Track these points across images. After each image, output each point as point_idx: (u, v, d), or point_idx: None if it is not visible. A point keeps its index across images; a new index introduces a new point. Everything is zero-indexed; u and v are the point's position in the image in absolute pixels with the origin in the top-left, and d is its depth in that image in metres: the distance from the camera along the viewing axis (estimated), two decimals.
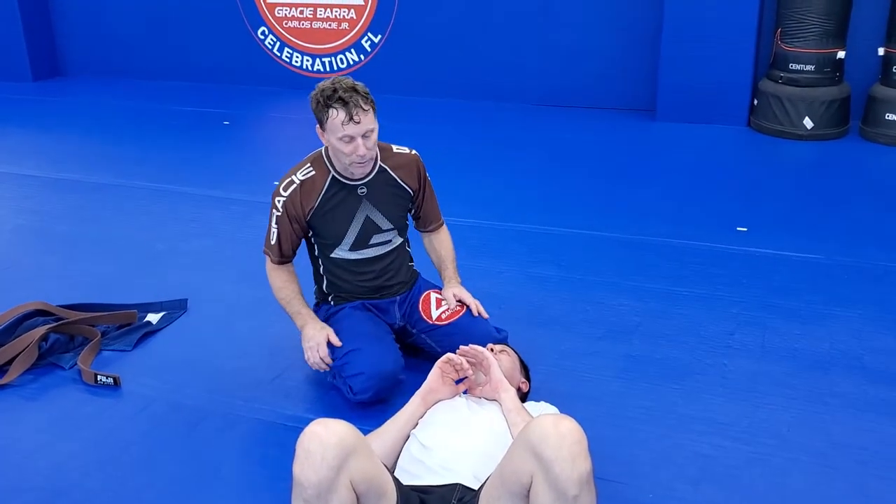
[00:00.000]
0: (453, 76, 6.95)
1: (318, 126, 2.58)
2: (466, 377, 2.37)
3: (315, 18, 7.35)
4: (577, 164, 5.31)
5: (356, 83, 2.52)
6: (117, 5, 8.01)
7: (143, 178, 5.10)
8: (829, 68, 5.57)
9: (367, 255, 2.74)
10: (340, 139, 2.51)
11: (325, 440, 1.78)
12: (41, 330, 2.98)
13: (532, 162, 5.37)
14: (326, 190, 2.65)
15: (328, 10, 7.27)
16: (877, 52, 5.61)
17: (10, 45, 8.17)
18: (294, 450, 1.82)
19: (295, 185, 2.64)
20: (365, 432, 2.09)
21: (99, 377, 2.80)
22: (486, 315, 2.81)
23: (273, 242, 2.70)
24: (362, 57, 7.28)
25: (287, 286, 2.75)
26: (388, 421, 2.28)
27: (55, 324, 3.05)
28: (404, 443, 2.22)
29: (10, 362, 2.88)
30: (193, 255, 3.93)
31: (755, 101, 5.88)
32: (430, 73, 7.03)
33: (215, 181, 5.01)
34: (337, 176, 2.66)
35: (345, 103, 2.46)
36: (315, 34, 7.40)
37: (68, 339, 3.04)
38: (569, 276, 3.61)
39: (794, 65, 5.60)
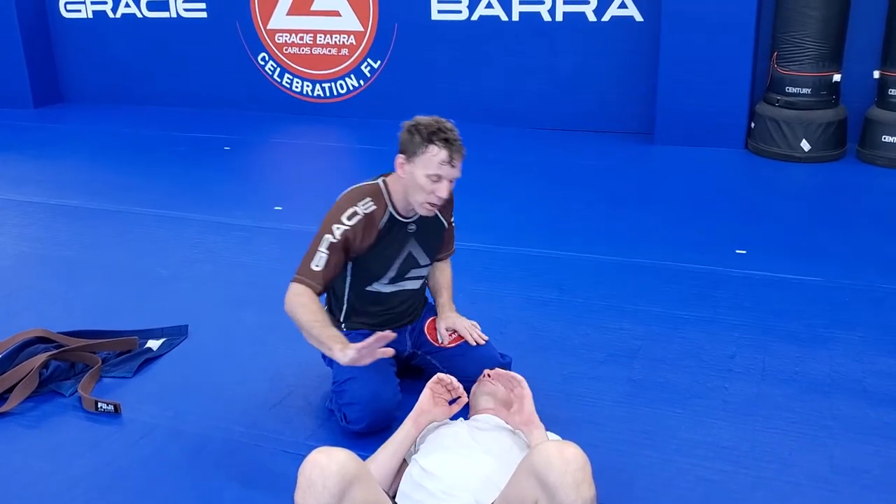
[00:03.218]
0: (453, 101, 6.98)
1: (401, 155, 2.53)
2: (459, 397, 2.37)
3: (315, 45, 7.41)
4: (577, 187, 5.33)
5: (455, 128, 2.53)
6: (118, 32, 8.09)
7: (145, 204, 5.12)
8: (825, 91, 5.61)
9: (403, 288, 2.75)
10: (428, 176, 2.49)
11: (326, 468, 1.78)
12: (42, 357, 2.98)
13: (532, 185, 5.39)
14: (384, 226, 2.61)
15: (328, 36, 7.34)
16: (872, 74, 5.66)
17: (12, 71, 8.24)
18: (296, 478, 1.82)
19: (359, 218, 2.55)
20: (364, 459, 2.09)
21: (99, 404, 2.79)
22: (482, 340, 2.79)
23: (318, 269, 2.52)
24: (362, 82, 7.34)
25: (319, 309, 2.53)
26: (382, 446, 2.28)
27: (56, 351, 3.05)
28: (399, 467, 2.22)
29: (10, 390, 2.87)
30: (194, 281, 3.94)
31: (752, 124, 5.92)
32: (429, 98, 7.06)
33: (216, 207, 5.03)
34: (393, 212, 2.63)
35: (449, 144, 2.48)
36: (315, 60, 7.46)
37: (69, 367, 3.04)
38: (570, 299, 3.61)
39: (790, 88, 5.64)
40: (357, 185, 2.66)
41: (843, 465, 2.43)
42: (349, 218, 2.55)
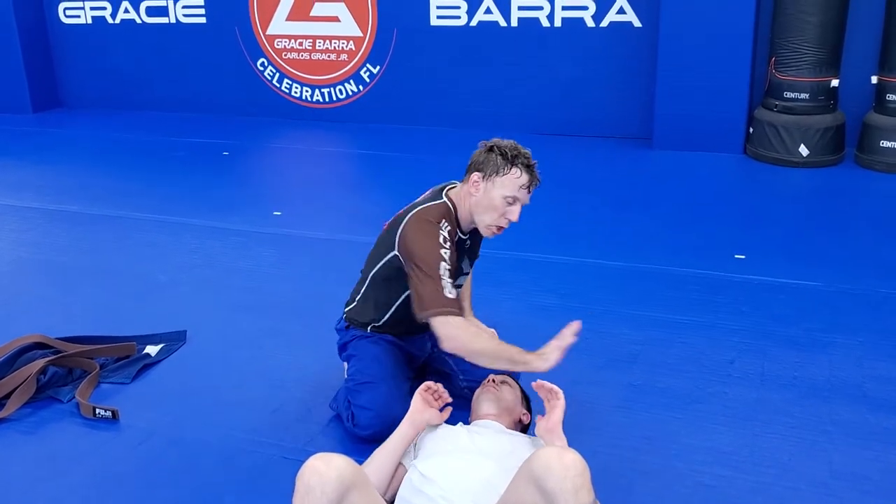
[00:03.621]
0: (452, 106, 7.00)
1: (479, 174, 2.54)
2: (448, 405, 2.40)
3: (314, 50, 7.42)
4: (576, 192, 5.33)
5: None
6: (117, 37, 8.10)
7: (144, 210, 5.12)
8: (823, 96, 5.62)
9: None
10: (505, 198, 2.51)
11: (324, 475, 1.78)
12: (39, 363, 2.97)
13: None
14: (456, 246, 2.62)
15: (327, 41, 7.35)
16: (870, 80, 5.67)
17: (11, 76, 8.25)
18: (294, 484, 1.81)
19: (450, 241, 2.55)
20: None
21: (97, 410, 2.78)
22: None
23: (453, 296, 2.47)
24: (361, 88, 7.34)
25: (486, 331, 2.63)
26: (379, 448, 2.29)
27: (53, 357, 3.04)
28: (396, 469, 2.23)
29: (8, 396, 2.87)
30: (193, 287, 3.93)
31: (751, 129, 5.93)
32: (428, 103, 7.08)
33: (215, 212, 5.03)
34: (459, 231, 2.65)
35: (530, 170, 2.52)
36: (314, 65, 7.47)
37: (66, 372, 3.03)
38: (569, 304, 3.61)
39: (788, 93, 5.65)
40: (427, 205, 2.63)
41: (842, 471, 2.43)
42: (445, 242, 2.54)
